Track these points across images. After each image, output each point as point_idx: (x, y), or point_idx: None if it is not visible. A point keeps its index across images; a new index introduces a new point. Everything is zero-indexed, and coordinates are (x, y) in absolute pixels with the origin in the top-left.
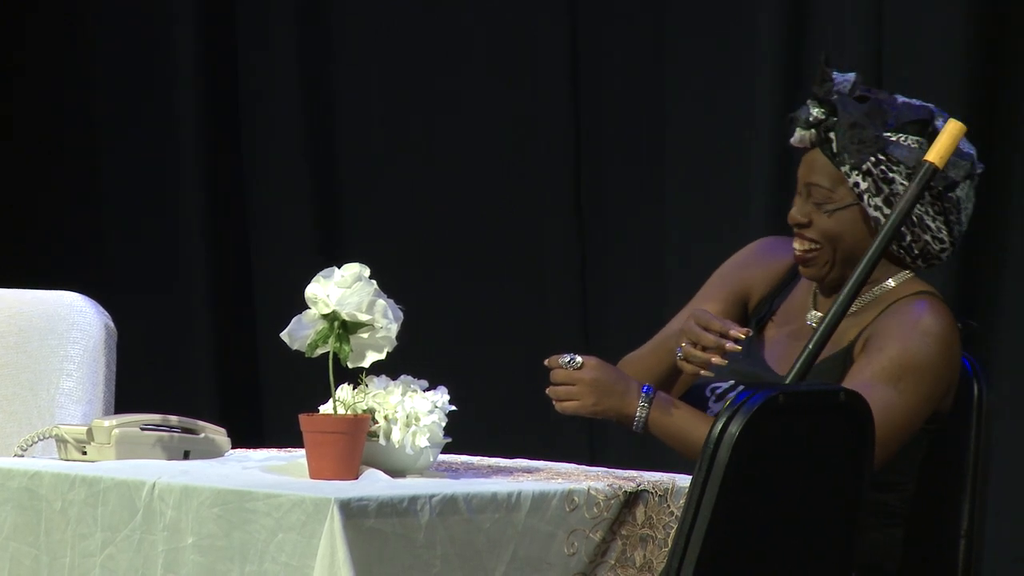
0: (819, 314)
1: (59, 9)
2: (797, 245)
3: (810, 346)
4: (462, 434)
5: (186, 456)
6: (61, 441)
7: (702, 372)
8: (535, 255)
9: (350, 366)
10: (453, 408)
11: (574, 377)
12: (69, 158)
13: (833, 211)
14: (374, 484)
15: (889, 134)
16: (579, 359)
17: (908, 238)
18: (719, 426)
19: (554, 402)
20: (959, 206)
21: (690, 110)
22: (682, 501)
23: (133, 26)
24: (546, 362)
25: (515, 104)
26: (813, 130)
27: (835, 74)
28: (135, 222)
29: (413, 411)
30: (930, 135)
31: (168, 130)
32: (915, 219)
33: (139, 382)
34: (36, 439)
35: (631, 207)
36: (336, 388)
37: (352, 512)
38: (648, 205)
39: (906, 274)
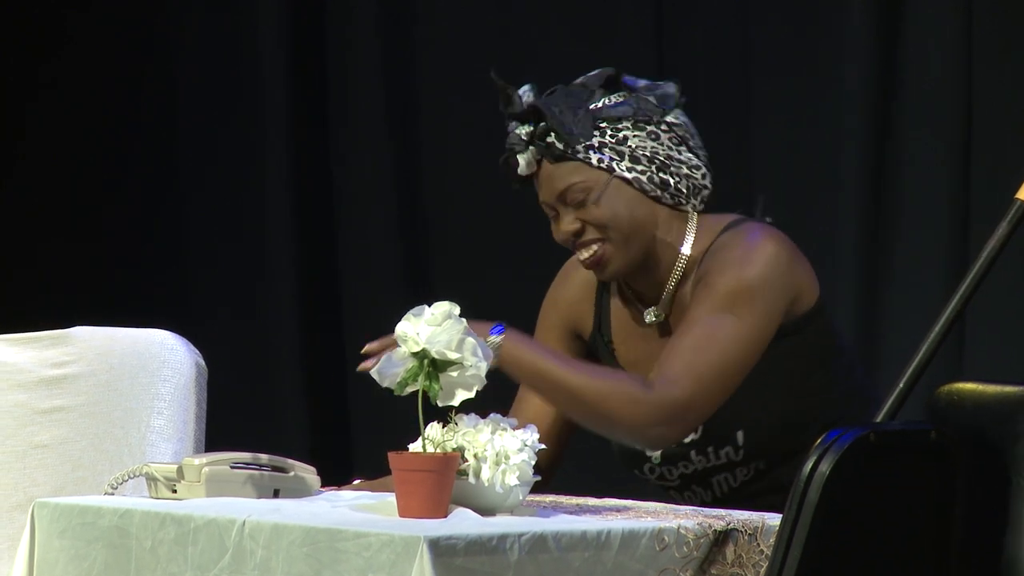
0: (654, 308)
1: (135, 39)
2: (583, 255)
3: (901, 385)
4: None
5: (276, 494)
6: (151, 479)
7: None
8: None
9: (439, 404)
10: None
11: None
12: (153, 195)
13: (598, 197)
14: (463, 522)
15: (592, 104)
16: None
17: (672, 181)
18: (809, 465)
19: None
20: (687, 129)
21: (777, 120)
22: (772, 540)
23: (216, 61)
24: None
25: None
26: (532, 147)
27: (518, 90)
28: (222, 257)
29: (503, 449)
30: (624, 86)
31: (254, 159)
32: (664, 160)
33: (228, 419)
34: (127, 477)
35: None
36: (425, 426)
37: (441, 551)
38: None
39: (690, 234)
